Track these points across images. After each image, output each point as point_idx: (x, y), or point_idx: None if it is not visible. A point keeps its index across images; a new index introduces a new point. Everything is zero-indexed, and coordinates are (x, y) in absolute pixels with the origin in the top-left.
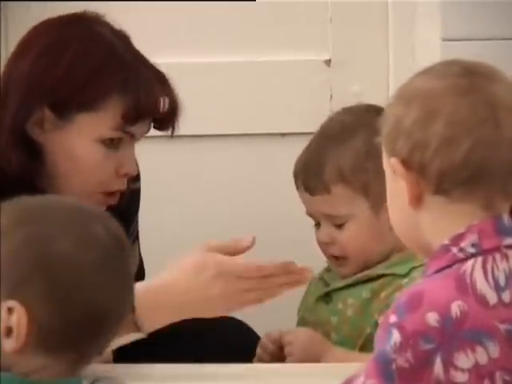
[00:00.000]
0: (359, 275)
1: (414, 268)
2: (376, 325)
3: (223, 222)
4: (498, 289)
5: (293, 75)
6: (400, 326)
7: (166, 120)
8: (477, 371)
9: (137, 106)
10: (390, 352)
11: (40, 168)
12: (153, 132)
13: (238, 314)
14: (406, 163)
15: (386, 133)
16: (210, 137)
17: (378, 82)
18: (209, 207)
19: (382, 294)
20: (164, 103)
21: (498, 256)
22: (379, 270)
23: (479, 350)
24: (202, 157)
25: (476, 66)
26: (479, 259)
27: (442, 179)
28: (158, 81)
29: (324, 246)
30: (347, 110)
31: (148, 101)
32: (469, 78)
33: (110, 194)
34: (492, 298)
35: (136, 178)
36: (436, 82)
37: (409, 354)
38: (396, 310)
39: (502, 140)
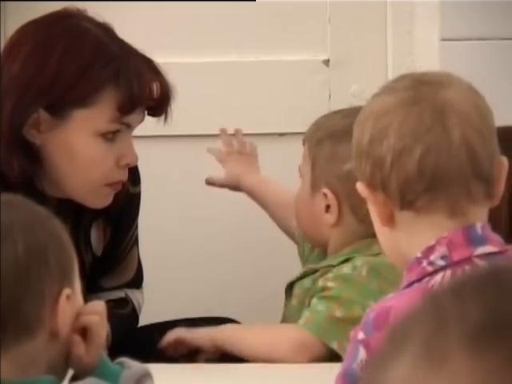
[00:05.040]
0: (306, 269)
1: (348, 259)
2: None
3: (223, 222)
4: None
5: (292, 75)
6: (367, 344)
7: (160, 106)
8: None
9: (131, 96)
10: (357, 369)
11: (40, 170)
12: (152, 132)
13: (233, 315)
14: (370, 185)
15: (353, 159)
16: (209, 137)
17: (377, 82)
18: (208, 207)
19: (320, 282)
20: (157, 89)
21: (468, 268)
22: (323, 263)
23: None
24: (201, 156)
25: (426, 76)
26: (448, 272)
27: (403, 192)
28: (148, 68)
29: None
30: None
31: (141, 89)
32: (416, 88)
33: (113, 184)
34: None
35: (136, 183)
36: (386, 100)
37: None
38: (364, 327)
39: (451, 144)
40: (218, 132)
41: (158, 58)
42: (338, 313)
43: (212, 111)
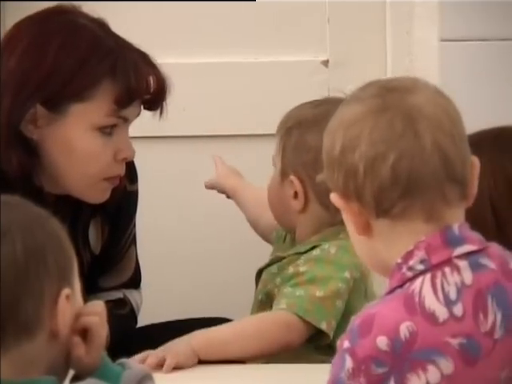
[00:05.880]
0: (274, 257)
1: (315, 247)
2: (267, 294)
3: (222, 222)
4: (448, 303)
5: (291, 76)
6: (352, 352)
7: (156, 99)
8: None
9: (128, 89)
10: (344, 379)
11: (38, 166)
12: (152, 133)
13: (231, 315)
14: (344, 195)
15: (325, 170)
16: (208, 137)
17: None
18: (208, 207)
19: (289, 269)
20: (153, 83)
21: (447, 269)
22: (291, 251)
23: (430, 368)
24: (200, 157)
25: (392, 83)
26: (428, 276)
27: (378, 200)
28: (144, 61)
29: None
30: None
31: (138, 82)
32: (384, 96)
33: (111, 178)
34: (442, 313)
35: (133, 181)
36: (354, 109)
37: (362, 379)
38: (349, 335)
39: (423, 149)
40: (216, 133)
41: (157, 59)
42: (318, 292)
43: (211, 112)
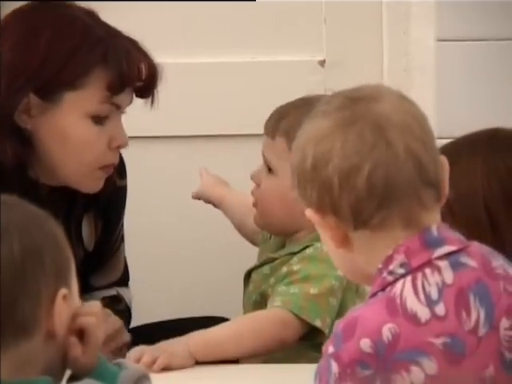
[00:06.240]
0: (266, 258)
1: (307, 246)
2: (261, 295)
3: (220, 223)
4: (430, 303)
5: (287, 76)
6: (337, 356)
7: (148, 86)
8: None
9: (120, 75)
10: (332, 383)
11: (32, 156)
12: (150, 133)
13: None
14: (319, 210)
15: (295, 185)
16: (205, 137)
17: (373, 82)
18: (206, 208)
19: (283, 269)
20: (144, 69)
21: (428, 270)
22: (283, 252)
23: (414, 369)
24: (198, 157)
25: (356, 93)
26: (408, 278)
27: (355, 213)
28: (134, 48)
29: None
30: None
31: (130, 68)
32: (351, 107)
33: (105, 167)
34: (424, 314)
35: (122, 176)
36: (322, 123)
37: (349, 383)
38: (333, 340)
39: (397, 156)
40: (213, 133)
41: (156, 59)
42: (313, 290)
43: (207, 112)
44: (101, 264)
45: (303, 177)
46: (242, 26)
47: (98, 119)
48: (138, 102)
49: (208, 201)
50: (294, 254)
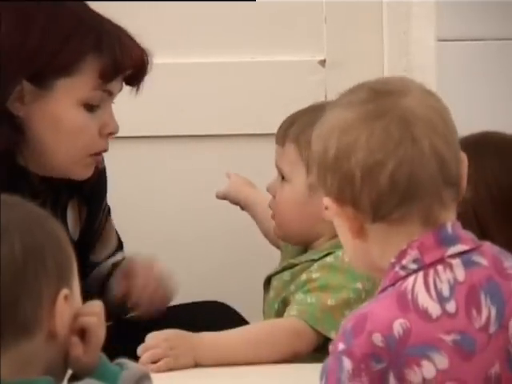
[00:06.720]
0: (286, 264)
1: (328, 254)
2: (283, 303)
3: (219, 223)
4: (441, 300)
5: (288, 76)
6: (349, 353)
7: (139, 74)
8: None
9: (114, 62)
10: (346, 381)
11: (23, 145)
12: (149, 133)
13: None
14: (339, 200)
15: (315, 172)
16: (204, 137)
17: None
18: (204, 208)
19: (303, 276)
20: (135, 57)
21: (440, 268)
22: (304, 258)
23: (425, 364)
24: (198, 157)
25: (384, 85)
26: (420, 274)
27: (375, 207)
28: (126, 36)
29: (270, 196)
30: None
31: (123, 55)
32: (376, 100)
33: (96, 154)
34: (435, 310)
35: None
36: (347, 113)
37: (364, 378)
38: (343, 337)
39: (422, 154)
40: (213, 132)
41: (155, 59)
42: (330, 301)
43: (207, 111)
44: (95, 241)
45: (324, 166)
46: (242, 25)
47: (90, 107)
48: (138, 102)
49: (234, 202)
50: (315, 260)
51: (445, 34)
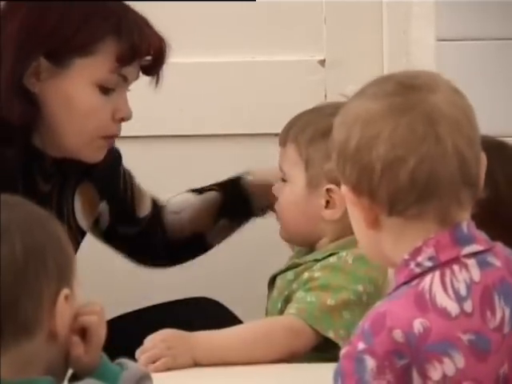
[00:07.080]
0: (291, 263)
1: (332, 254)
2: (286, 302)
3: None
4: (459, 299)
5: (287, 75)
6: (371, 351)
7: (156, 63)
8: (445, 382)
9: (132, 46)
10: (370, 380)
11: (37, 121)
12: (149, 132)
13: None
14: (356, 189)
15: (334, 160)
16: (205, 137)
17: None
18: None
19: (305, 275)
20: (154, 44)
21: (456, 267)
22: (308, 258)
23: (446, 360)
24: (198, 157)
25: (412, 79)
26: (437, 273)
27: (393, 202)
28: (145, 24)
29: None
30: None
31: (142, 40)
32: (404, 94)
33: (108, 137)
34: (454, 309)
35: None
36: (372, 104)
37: (388, 376)
38: (362, 336)
39: (444, 153)
40: (213, 132)
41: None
42: (329, 301)
43: (208, 111)
44: (132, 208)
45: (344, 155)
46: (242, 25)
47: (105, 89)
48: (138, 102)
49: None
50: (318, 260)
51: (444, 33)
